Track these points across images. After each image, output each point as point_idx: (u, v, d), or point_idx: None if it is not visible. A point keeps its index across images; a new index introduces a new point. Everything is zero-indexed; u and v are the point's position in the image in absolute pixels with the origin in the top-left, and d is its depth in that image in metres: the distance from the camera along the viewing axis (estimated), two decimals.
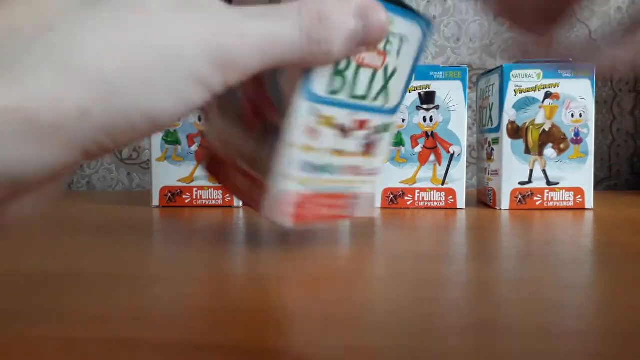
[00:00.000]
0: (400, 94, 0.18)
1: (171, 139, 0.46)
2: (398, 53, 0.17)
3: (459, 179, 0.44)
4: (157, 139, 0.46)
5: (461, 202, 0.44)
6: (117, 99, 0.13)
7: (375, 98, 0.17)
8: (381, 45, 0.16)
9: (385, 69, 0.17)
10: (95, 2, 0.13)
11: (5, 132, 0.12)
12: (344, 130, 0.17)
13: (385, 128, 0.18)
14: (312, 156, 0.17)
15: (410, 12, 0.17)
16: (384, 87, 0.17)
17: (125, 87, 0.13)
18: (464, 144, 0.44)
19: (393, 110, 0.18)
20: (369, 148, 0.18)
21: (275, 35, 0.14)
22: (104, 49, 0.13)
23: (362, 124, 0.18)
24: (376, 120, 0.18)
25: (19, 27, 0.12)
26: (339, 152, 0.18)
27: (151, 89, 0.13)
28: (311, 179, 0.17)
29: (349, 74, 0.16)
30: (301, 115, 0.16)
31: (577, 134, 0.43)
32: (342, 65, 0.16)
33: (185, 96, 0.14)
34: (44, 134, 0.12)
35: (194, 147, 0.46)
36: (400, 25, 0.17)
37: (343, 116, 0.17)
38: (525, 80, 0.43)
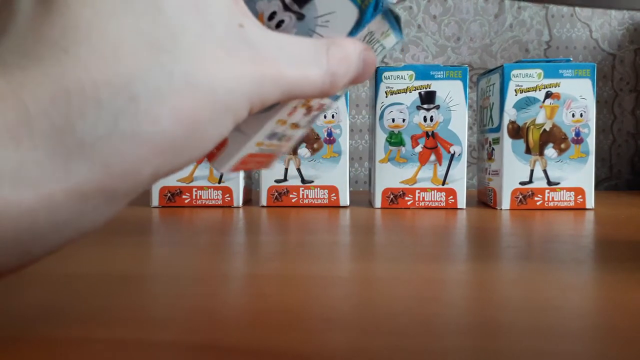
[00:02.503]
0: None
1: None
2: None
3: (460, 179, 0.44)
4: None
5: (462, 202, 0.44)
6: (177, 155, 0.13)
7: None
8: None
9: None
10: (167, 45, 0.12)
11: (84, 209, 0.12)
12: (309, 110, 0.19)
13: (326, 109, 0.20)
14: (280, 128, 0.18)
15: (398, 27, 0.19)
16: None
17: (186, 142, 0.13)
18: (465, 143, 0.44)
19: (337, 97, 0.20)
20: (309, 123, 0.20)
21: (304, 80, 0.15)
22: (173, 106, 0.12)
23: (321, 106, 0.19)
24: (328, 104, 0.20)
25: (84, 86, 0.11)
26: (295, 125, 0.19)
27: (205, 137, 0.13)
28: (265, 144, 0.19)
29: None
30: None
31: (577, 133, 0.43)
32: None
33: (223, 135, 0.14)
34: (117, 201, 0.12)
35: None
36: (389, 39, 0.19)
37: (316, 99, 0.18)
38: (526, 80, 0.43)
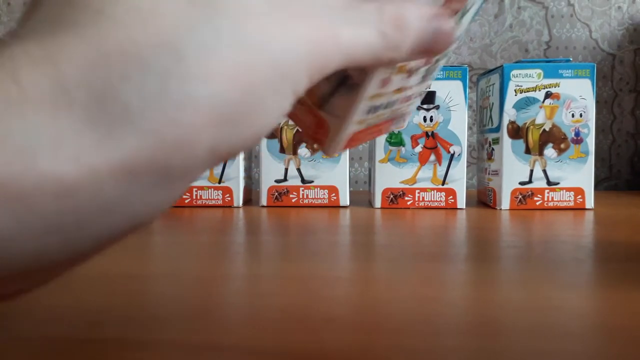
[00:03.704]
0: (466, 25, 0.18)
1: None
2: None
3: (459, 179, 0.44)
4: None
5: (461, 202, 0.44)
6: (235, 125, 0.11)
7: None
8: None
9: (464, 8, 0.17)
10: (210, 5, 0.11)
11: (133, 189, 0.10)
12: (410, 72, 0.17)
13: (444, 56, 0.19)
14: (378, 101, 0.17)
15: None
16: (457, 22, 0.17)
17: (244, 109, 0.11)
18: (464, 143, 0.44)
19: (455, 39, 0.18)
20: (425, 78, 0.19)
21: (360, 41, 0.13)
22: (228, 68, 0.11)
23: (428, 60, 0.18)
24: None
25: (124, 47, 0.10)
26: (400, 90, 0.18)
27: (264, 107, 0.12)
28: (370, 118, 0.18)
29: None
30: (380, 70, 0.16)
31: (577, 133, 0.43)
32: None
33: (285, 109, 0.12)
34: (171, 182, 0.11)
35: None
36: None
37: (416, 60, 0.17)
38: (526, 80, 0.43)
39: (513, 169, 0.44)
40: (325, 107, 0.18)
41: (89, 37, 0.10)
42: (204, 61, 0.11)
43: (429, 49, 0.15)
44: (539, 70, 0.43)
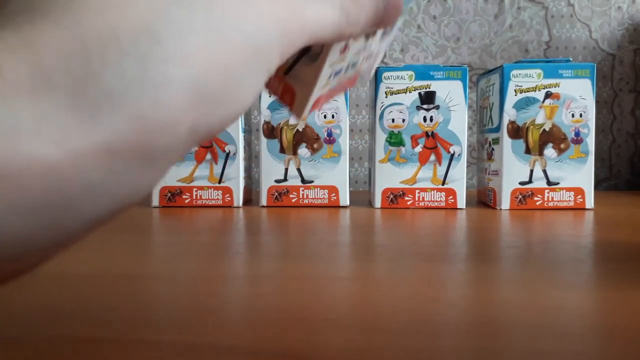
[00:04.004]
0: None
1: None
2: None
3: (459, 179, 0.44)
4: None
5: (461, 202, 0.44)
6: (215, 105, 0.12)
7: None
8: None
9: None
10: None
11: (118, 169, 0.11)
12: (367, 37, 0.18)
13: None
14: (339, 66, 0.18)
15: None
16: None
17: (222, 88, 0.12)
18: (464, 144, 0.44)
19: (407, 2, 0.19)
20: (384, 37, 0.20)
21: (325, 18, 0.14)
22: (201, 46, 0.11)
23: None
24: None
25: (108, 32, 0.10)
26: (360, 51, 0.19)
27: (240, 86, 0.12)
28: (335, 81, 0.19)
29: None
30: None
31: (577, 133, 0.43)
32: None
33: (259, 88, 0.13)
34: (154, 162, 0.11)
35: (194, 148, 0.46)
36: None
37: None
38: (526, 80, 0.43)
39: (513, 169, 0.44)
40: (290, 74, 0.19)
41: (66, 24, 0.10)
42: (180, 44, 0.11)
43: (382, 21, 0.16)
44: (539, 70, 0.43)
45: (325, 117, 0.45)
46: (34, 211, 0.10)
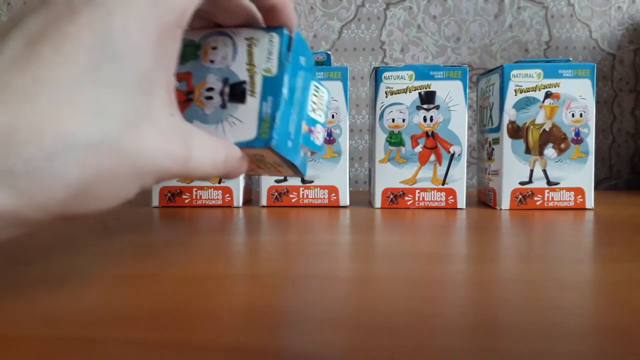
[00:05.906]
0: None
1: None
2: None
3: (460, 179, 0.44)
4: None
5: (461, 202, 0.44)
6: (83, 201, 0.16)
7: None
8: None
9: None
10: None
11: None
12: (258, 164, 0.26)
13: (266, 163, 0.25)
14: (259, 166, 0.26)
15: (298, 170, 0.25)
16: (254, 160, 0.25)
17: (91, 194, 0.15)
18: (464, 143, 0.44)
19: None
20: (276, 163, 0.25)
21: (205, 166, 0.19)
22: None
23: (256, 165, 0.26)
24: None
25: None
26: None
27: (110, 192, 0.16)
28: (264, 168, 0.26)
29: None
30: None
31: (577, 133, 0.43)
32: None
33: (128, 195, 0.17)
34: (22, 228, 0.15)
35: None
36: (286, 171, 0.25)
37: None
38: (526, 80, 0.43)
39: (513, 169, 0.44)
40: None
41: (9, 111, 0.14)
42: (86, 155, 0.15)
43: (229, 175, 0.22)
44: (539, 70, 0.43)
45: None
46: None
